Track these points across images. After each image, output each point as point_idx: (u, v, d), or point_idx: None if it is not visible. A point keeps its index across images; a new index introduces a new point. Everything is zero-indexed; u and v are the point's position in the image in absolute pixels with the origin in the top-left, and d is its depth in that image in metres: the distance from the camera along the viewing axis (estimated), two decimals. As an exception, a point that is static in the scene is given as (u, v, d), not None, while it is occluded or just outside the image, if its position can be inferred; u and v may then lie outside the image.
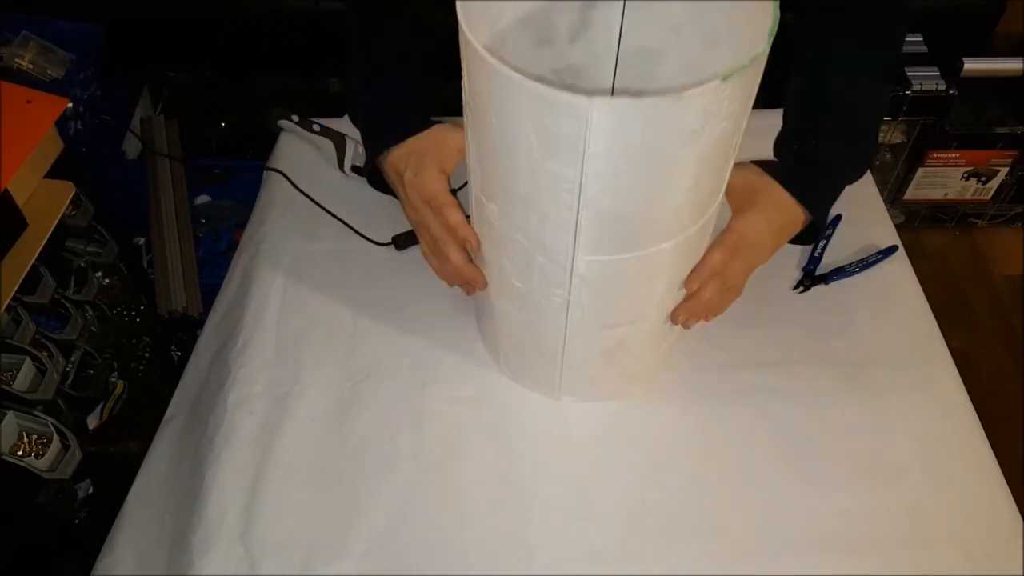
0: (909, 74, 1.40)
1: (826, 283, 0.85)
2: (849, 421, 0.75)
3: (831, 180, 0.71)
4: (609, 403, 0.75)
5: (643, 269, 0.59)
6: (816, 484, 0.70)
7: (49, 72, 1.17)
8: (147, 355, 1.21)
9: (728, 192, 0.63)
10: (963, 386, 0.78)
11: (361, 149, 0.97)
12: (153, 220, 1.30)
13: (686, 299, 0.66)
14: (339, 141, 0.96)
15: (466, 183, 0.64)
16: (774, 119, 0.72)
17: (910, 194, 1.60)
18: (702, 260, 0.64)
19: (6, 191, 0.86)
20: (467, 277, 0.68)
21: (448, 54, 0.56)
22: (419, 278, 0.86)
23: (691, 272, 0.64)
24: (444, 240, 0.67)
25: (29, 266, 0.89)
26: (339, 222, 0.91)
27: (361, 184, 0.96)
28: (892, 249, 0.87)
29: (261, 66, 1.49)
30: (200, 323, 1.18)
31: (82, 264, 1.05)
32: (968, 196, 1.61)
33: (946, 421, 0.75)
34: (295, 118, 1.00)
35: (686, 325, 0.67)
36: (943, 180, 1.57)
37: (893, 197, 1.61)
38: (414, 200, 0.68)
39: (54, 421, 0.92)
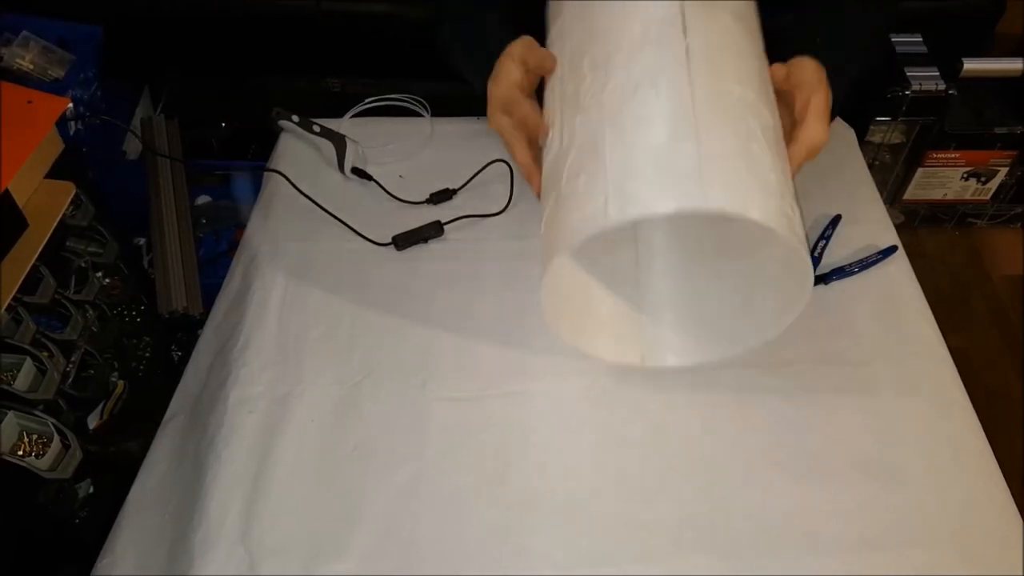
0: (908, 74, 1.40)
1: (826, 283, 0.85)
2: (849, 421, 0.75)
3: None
4: (608, 404, 0.75)
5: None
6: (816, 484, 0.70)
7: (50, 72, 1.17)
8: (147, 355, 1.21)
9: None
10: (963, 386, 0.78)
11: (361, 150, 0.97)
12: (153, 220, 1.30)
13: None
14: (339, 142, 0.96)
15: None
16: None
17: (910, 194, 1.60)
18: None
19: (7, 191, 0.86)
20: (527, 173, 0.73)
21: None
22: (419, 278, 0.86)
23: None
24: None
25: (29, 266, 0.89)
26: (339, 222, 0.91)
27: (361, 184, 0.96)
28: (892, 249, 0.88)
29: (261, 66, 1.49)
30: (200, 323, 1.17)
31: (82, 264, 1.05)
32: (968, 196, 1.61)
33: (946, 421, 0.75)
34: (295, 119, 1.00)
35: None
36: (942, 180, 1.57)
37: (893, 197, 1.61)
38: (490, 109, 0.73)
39: (54, 421, 0.92)
